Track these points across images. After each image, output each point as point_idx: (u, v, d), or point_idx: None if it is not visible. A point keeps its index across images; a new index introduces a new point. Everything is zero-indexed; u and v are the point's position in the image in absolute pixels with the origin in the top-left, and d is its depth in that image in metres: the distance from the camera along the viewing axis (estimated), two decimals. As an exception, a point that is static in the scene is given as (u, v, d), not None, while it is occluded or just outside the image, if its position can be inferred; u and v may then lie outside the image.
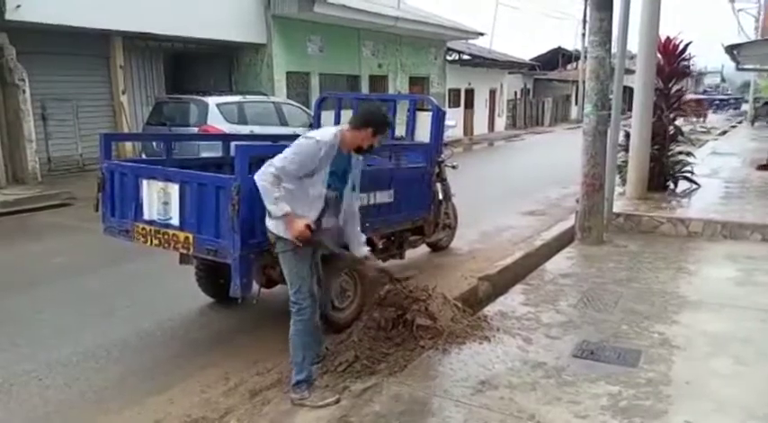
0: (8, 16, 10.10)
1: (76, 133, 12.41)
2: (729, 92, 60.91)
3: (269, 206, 3.17)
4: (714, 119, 33.67)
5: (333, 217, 3.41)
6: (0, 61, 10.32)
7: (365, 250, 3.66)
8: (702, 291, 4.91)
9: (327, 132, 3.25)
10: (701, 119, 29.84)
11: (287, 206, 3.14)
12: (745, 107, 33.99)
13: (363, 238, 3.68)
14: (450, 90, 23.43)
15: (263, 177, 3.14)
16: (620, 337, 3.94)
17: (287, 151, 3.17)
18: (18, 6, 10.11)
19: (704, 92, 53.36)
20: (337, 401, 3.16)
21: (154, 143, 9.07)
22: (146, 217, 4.11)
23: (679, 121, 9.33)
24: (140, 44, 13.38)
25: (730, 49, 12.71)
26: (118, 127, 12.81)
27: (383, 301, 4.11)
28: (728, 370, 3.51)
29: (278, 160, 3.14)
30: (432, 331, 3.87)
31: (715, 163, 12.09)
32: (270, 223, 3.28)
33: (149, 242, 4.10)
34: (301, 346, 3.27)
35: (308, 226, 3.18)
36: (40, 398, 3.55)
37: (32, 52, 10.97)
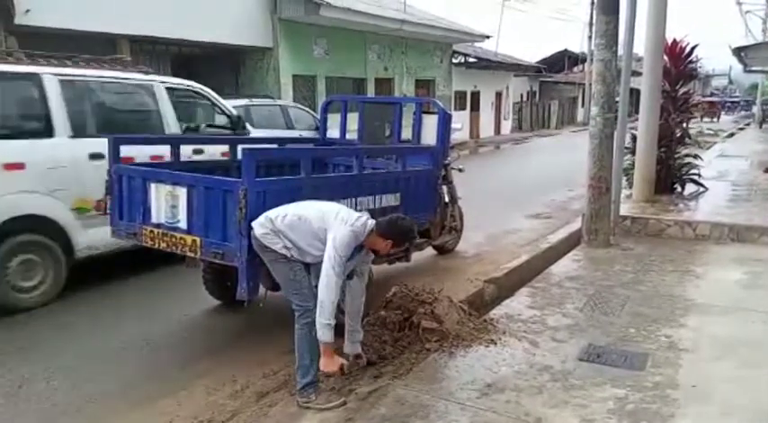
0: (18, 21, 10.20)
1: (84, 137, 12.48)
2: (737, 94, 60.71)
3: (324, 322, 3.15)
4: (722, 120, 33.54)
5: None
6: (9, 65, 10.39)
7: (358, 349, 3.63)
8: (710, 294, 4.89)
9: (362, 231, 3.26)
10: (716, 119, 32.44)
11: (332, 336, 3.18)
12: (754, 109, 34.59)
13: (361, 336, 3.66)
14: (456, 93, 23.45)
15: (333, 270, 3.13)
16: (627, 341, 3.93)
17: (336, 248, 3.15)
18: (27, 11, 10.21)
19: (711, 94, 53.24)
20: (343, 404, 3.17)
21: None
22: (154, 220, 4.13)
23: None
24: (147, 48, 13.45)
25: (738, 51, 12.69)
26: (125, 130, 12.87)
27: (389, 303, 4.12)
28: (736, 373, 3.50)
29: (335, 252, 3.14)
30: (438, 334, 3.88)
31: (722, 165, 12.05)
32: (261, 233, 3.31)
33: (157, 245, 4.13)
34: (308, 350, 3.28)
35: (341, 366, 3.29)
36: (47, 400, 3.57)
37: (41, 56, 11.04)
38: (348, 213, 3.37)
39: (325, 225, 3.26)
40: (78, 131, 5.36)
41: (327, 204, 3.49)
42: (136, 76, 6.22)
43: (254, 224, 3.39)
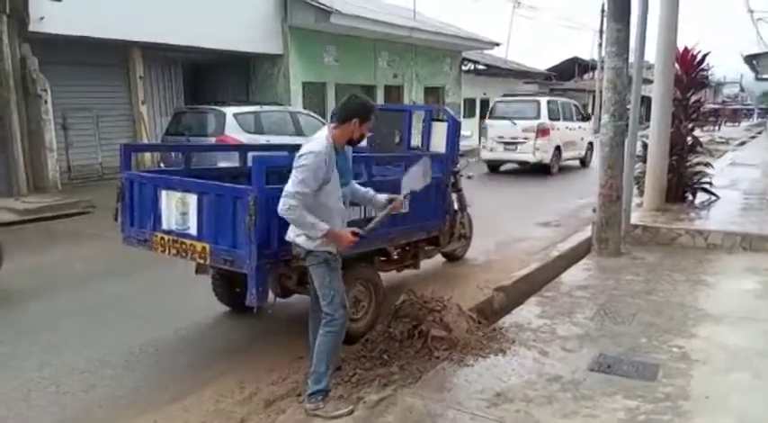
0: (32, 28, 10.35)
1: (96, 143, 12.61)
2: (749, 102, 60.41)
3: (308, 232, 3.17)
4: (733, 129, 33.36)
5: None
6: (23, 72, 10.53)
7: (383, 196, 3.62)
8: (722, 304, 4.84)
9: (320, 141, 3.21)
10: (737, 124, 35.92)
11: (324, 224, 3.14)
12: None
13: (370, 189, 3.67)
14: (465, 100, 23.45)
15: (286, 210, 3.11)
16: (638, 351, 3.90)
17: (295, 175, 3.13)
18: (42, 18, 10.35)
19: (723, 102, 53.05)
20: (351, 412, 3.16)
21: (173, 153, 9.17)
22: (164, 227, 4.15)
23: (697, 132, 9.23)
24: (160, 55, 13.59)
25: (749, 59, 12.62)
26: (137, 137, 13.01)
27: (398, 311, 4.11)
28: (748, 385, 3.46)
29: (291, 187, 3.11)
30: (447, 342, 3.86)
31: (734, 174, 11.95)
32: (298, 238, 3.27)
33: (167, 251, 4.14)
34: (327, 357, 3.27)
35: (353, 233, 3.23)
36: (57, 404, 3.59)
37: (54, 63, 11.19)
38: (307, 144, 3.26)
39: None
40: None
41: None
42: None
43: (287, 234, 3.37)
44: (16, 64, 10.40)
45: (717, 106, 37.36)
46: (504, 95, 16.55)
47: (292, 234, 3.33)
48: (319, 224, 3.13)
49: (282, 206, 3.12)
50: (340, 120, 3.26)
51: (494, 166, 15.22)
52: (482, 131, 15.61)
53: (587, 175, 13.52)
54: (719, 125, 31.66)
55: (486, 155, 14.88)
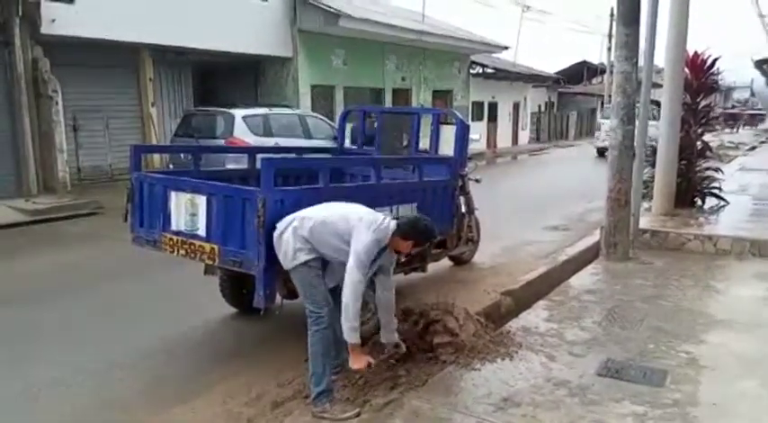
0: (43, 30, 10.43)
1: (106, 144, 12.69)
2: (760, 106, 60.07)
3: (347, 325, 3.21)
4: (743, 134, 33.17)
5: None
6: (34, 73, 10.61)
7: (395, 338, 3.68)
8: (731, 310, 4.81)
9: (384, 234, 3.30)
10: (755, 127, 38.73)
11: (357, 336, 3.24)
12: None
13: (395, 324, 3.69)
14: (473, 103, 23.43)
15: (358, 283, 3.19)
16: (647, 356, 3.88)
17: (364, 245, 3.20)
18: (53, 20, 10.44)
19: (733, 106, 52.86)
20: (358, 415, 3.16)
21: (182, 155, 9.22)
22: (173, 228, 4.17)
23: (707, 137, 9.18)
24: (169, 57, 13.67)
25: (760, 64, 12.53)
26: (146, 138, 13.08)
27: (405, 315, 4.11)
28: (757, 392, 3.43)
29: (357, 258, 3.18)
30: (453, 346, 3.85)
31: (744, 179, 11.86)
32: (282, 243, 3.36)
33: (176, 252, 4.16)
34: (321, 356, 3.30)
35: (369, 364, 3.33)
36: (67, 404, 3.61)
37: (65, 65, 11.27)
38: (370, 216, 3.39)
39: (349, 227, 3.30)
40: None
41: (350, 206, 3.52)
42: None
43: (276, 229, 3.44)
44: (28, 66, 10.48)
45: (736, 111, 42.00)
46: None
47: (279, 240, 3.40)
48: (355, 328, 3.21)
49: (357, 275, 3.17)
50: (402, 234, 3.35)
51: (601, 152, 18.02)
52: (597, 126, 22.67)
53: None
54: (738, 128, 36.28)
55: (598, 144, 20.25)
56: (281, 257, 3.42)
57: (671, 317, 4.61)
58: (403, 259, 3.90)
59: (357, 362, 3.29)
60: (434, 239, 3.41)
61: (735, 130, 34.66)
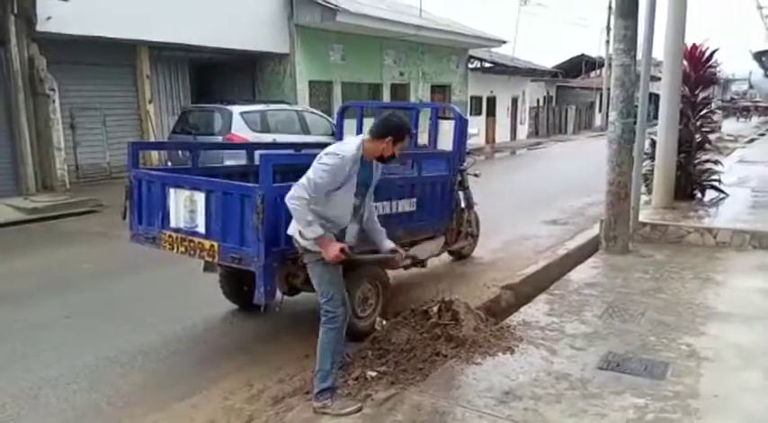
0: (39, 27, 10.39)
1: (104, 142, 12.67)
2: (758, 99, 60.08)
3: (302, 229, 3.17)
4: (741, 126, 33.17)
5: (356, 223, 3.43)
6: (31, 72, 10.57)
7: (390, 244, 3.61)
8: (731, 302, 4.81)
9: (351, 147, 3.23)
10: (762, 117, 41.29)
11: (320, 229, 3.13)
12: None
13: (384, 231, 3.65)
14: (471, 98, 23.41)
15: (295, 200, 3.12)
16: (647, 349, 3.88)
17: (315, 170, 3.14)
18: (49, 18, 10.39)
19: (731, 99, 52.87)
20: (359, 410, 3.16)
21: (180, 152, 9.20)
22: (172, 225, 4.16)
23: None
24: (166, 54, 13.64)
25: (758, 56, 12.51)
26: (144, 135, 13.06)
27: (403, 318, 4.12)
28: (758, 384, 3.43)
29: (307, 180, 3.12)
30: (454, 340, 3.85)
31: (743, 171, 11.86)
32: (296, 234, 3.29)
33: (175, 250, 4.15)
34: (330, 355, 3.27)
35: (342, 250, 3.19)
36: (67, 402, 3.61)
37: (62, 62, 11.24)
38: (337, 145, 3.29)
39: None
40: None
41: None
42: None
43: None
44: (24, 64, 10.44)
45: (749, 103, 46.28)
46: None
47: (292, 229, 3.34)
48: (315, 226, 3.13)
49: (293, 193, 3.12)
50: (375, 135, 3.27)
51: None
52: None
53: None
54: (750, 118, 41.32)
55: None
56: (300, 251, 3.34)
57: (671, 309, 4.61)
58: (397, 166, 3.65)
59: (330, 251, 3.15)
60: (411, 132, 3.25)
61: (749, 119, 40.65)
